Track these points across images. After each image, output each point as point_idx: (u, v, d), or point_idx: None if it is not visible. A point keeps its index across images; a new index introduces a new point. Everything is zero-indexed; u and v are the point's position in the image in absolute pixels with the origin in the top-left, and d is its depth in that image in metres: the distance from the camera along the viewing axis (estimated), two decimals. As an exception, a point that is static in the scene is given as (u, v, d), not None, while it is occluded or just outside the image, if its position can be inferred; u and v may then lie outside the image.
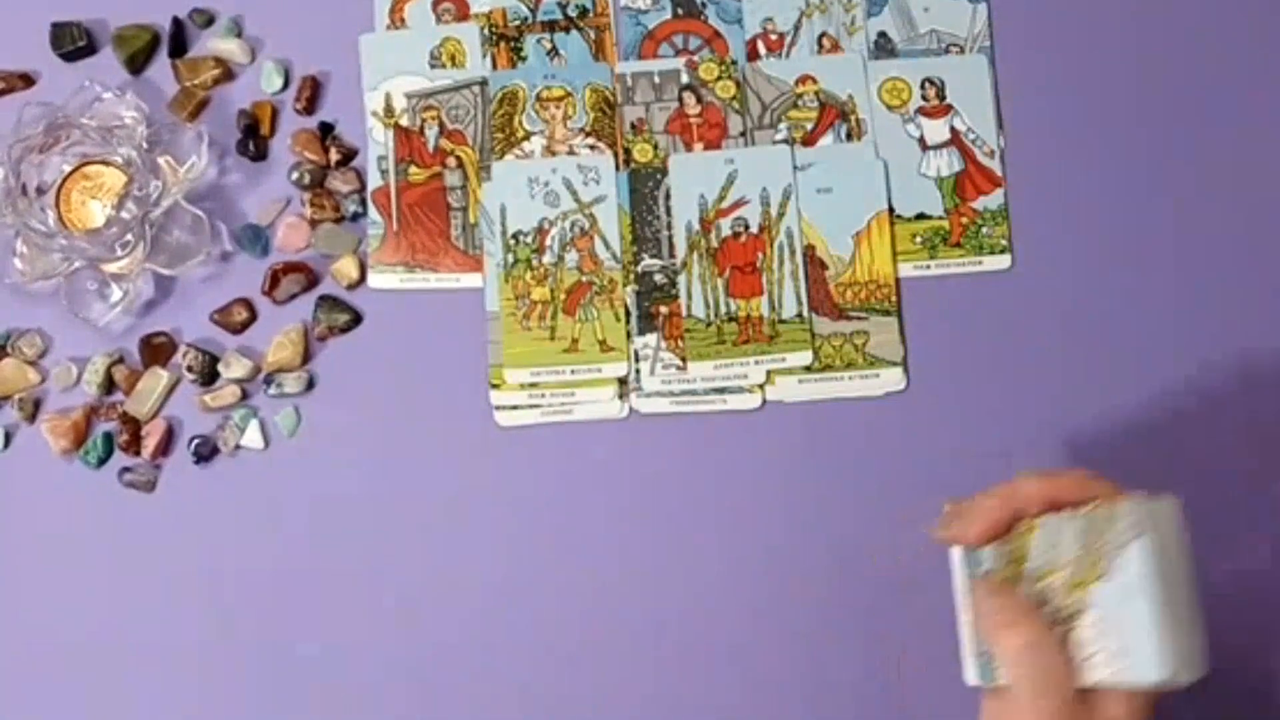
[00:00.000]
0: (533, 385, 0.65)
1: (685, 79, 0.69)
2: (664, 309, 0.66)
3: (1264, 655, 0.62)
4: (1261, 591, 0.63)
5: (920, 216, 0.67)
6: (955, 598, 0.52)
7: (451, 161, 0.68)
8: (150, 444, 0.65)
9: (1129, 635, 0.45)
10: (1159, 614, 0.44)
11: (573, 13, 0.70)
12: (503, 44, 0.70)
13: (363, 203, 0.68)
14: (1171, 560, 0.45)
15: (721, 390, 0.65)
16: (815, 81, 0.69)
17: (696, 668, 0.62)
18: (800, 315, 0.66)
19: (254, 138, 0.68)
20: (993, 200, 0.67)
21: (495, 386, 0.65)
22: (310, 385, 0.66)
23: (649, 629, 0.63)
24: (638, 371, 0.65)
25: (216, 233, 0.67)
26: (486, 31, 0.70)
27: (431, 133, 0.68)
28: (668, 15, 0.70)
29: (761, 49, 0.69)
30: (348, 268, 0.66)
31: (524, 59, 0.69)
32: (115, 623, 0.64)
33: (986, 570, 0.51)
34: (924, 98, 0.68)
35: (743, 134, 0.68)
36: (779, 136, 0.68)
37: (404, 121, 0.68)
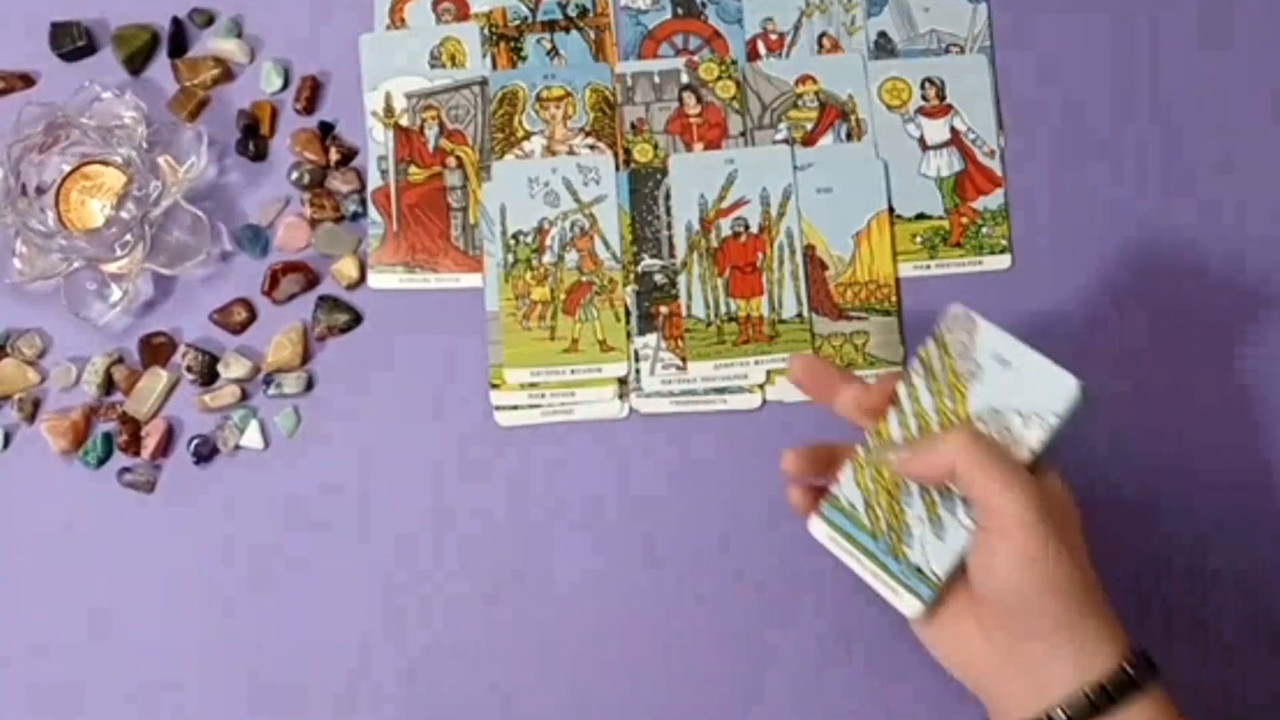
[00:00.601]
0: (533, 385, 0.65)
1: (685, 79, 0.69)
2: (664, 309, 0.66)
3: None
4: (1265, 593, 0.63)
5: (920, 216, 0.67)
6: (845, 561, 0.51)
7: (451, 161, 0.68)
8: (150, 444, 0.65)
9: (1027, 390, 0.48)
10: (1036, 350, 0.48)
11: (573, 13, 0.70)
12: (503, 44, 0.70)
13: (363, 203, 0.68)
14: (1001, 329, 0.50)
15: (721, 390, 0.65)
16: (815, 81, 0.69)
17: (697, 667, 0.62)
18: (800, 315, 0.66)
19: (254, 138, 0.68)
20: (993, 200, 0.67)
21: (495, 386, 0.65)
22: (310, 385, 0.66)
23: (649, 628, 0.63)
24: (638, 371, 0.65)
25: (216, 233, 0.67)
26: (486, 31, 0.70)
27: (431, 133, 0.68)
28: (668, 15, 0.70)
29: (761, 49, 0.69)
30: (348, 268, 0.66)
31: (524, 59, 0.69)
32: (115, 623, 0.64)
33: (851, 504, 0.51)
34: (924, 98, 0.68)
35: (743, 134, 0.68)
36: (779, 136, 0.68)
37: (404, 121, 0.68)
